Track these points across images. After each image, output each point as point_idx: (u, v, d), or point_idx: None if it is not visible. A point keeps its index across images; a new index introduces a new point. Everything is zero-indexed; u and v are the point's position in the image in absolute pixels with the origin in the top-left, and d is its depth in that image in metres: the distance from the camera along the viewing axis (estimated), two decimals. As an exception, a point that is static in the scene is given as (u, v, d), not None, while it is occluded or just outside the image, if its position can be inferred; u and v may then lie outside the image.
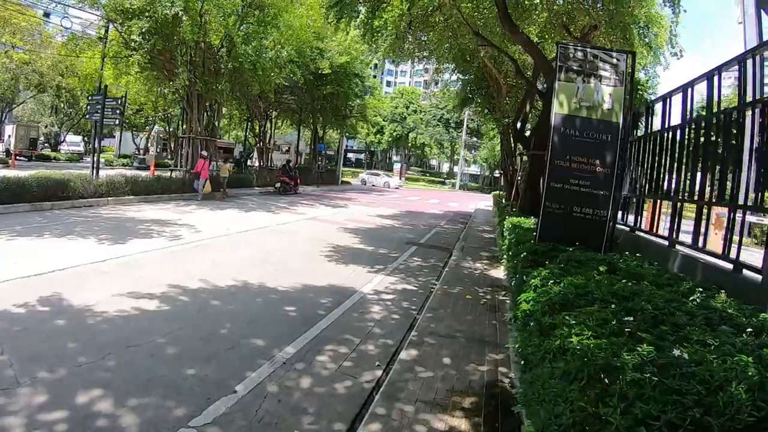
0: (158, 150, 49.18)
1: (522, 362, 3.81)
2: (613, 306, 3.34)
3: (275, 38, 25.76)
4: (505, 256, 10.97)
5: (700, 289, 4.09)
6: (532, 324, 3.72)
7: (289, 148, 50.09)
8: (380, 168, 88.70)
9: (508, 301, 8.51)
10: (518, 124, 16.73)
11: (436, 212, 29.06)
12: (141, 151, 53.37)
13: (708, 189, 6.08)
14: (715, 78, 6.26)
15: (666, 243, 6.88)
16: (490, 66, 20.88)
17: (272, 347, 5.93)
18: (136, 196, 18.77)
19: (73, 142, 56.94)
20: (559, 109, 7.11)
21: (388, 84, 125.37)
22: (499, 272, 11.35)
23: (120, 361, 5.11)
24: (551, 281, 4.27)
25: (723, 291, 4.34)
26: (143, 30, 20.94)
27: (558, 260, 5.71)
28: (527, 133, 16.33)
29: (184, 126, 28.42)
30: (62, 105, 49.70)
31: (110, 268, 8.77)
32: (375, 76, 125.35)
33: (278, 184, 30.24)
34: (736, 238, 5.32)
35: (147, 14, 21.04)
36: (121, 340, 5.62)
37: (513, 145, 24.41)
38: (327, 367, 5.55)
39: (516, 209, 15.65)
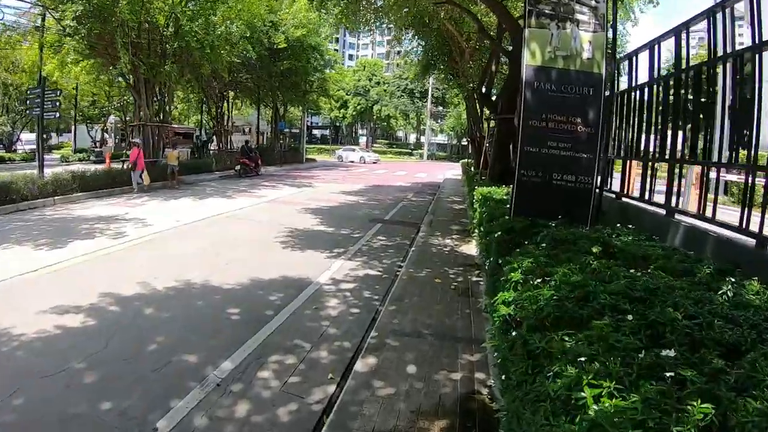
0: (117, 141, 47.02)
1: (502, 376, 2.86)
2: (629, 317, 2.37)
3: (224, 14, 24.35)
4: (476, 231, 10.08)
5: (731, 279, 3.12)
6: (514, 335, 2.72)
7: (250, 128, 48.44)
8: (346, 143, 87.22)
9: (482, 283, 7.59)
10: (484, 88, 15.70)
11: (404, 184, 28.07)
12: (97, 144, 51.22)
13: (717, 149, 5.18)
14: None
15: (663, 212, 5.95)
16: (452, 29, 19.80)
17: (207, 364, 5.01)
18: (86, 192, 17.30)
19: (29, 140, 54.14)
20: (531, 60, 6.06)
21: (350, 57, 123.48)
22: (471, 248, 10.44)
23: (30, 398, 4.25)
24: (537, 277, 3.25)
25: (740, 271, 3.48)
26: (77, 13, 19.36)
27: (539, 239, 4.73)
28: (494, 97, 15.33)
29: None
30: (13, 103, 47.15)
31: (40, 279, 7.70)
32: (336, 50, 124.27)
33: (238, 167, 28.90)
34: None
35: (81, -4, 19.49)
36: (35, 369, 4.75)
37: (479, 110, 23.48)
38: (269, 386, 4.63)
39: (486, 177, 14.77)
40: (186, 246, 10.35)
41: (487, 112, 25.16)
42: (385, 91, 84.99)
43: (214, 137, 38.69)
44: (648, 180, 6.58)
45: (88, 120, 53.45)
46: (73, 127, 49.56)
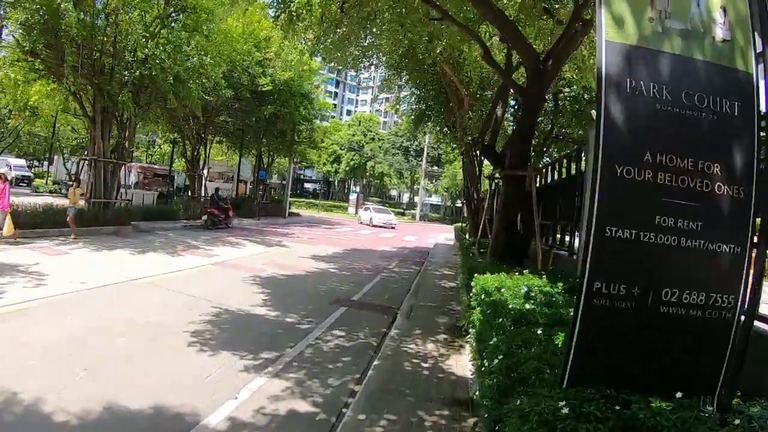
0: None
1: None
2: None
3: (199, 44, 21.53)
4: (470, 330, 6.82)
5: None
6: None
7: (232, 176, 45.33)
8: (338, 198, 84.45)
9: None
10: (486, 137, 12.52)
11: (388, 249, 24.69)
12: (72, 177, 48.04)
13: None
14: None
15: None
16: (450, 73, 16.93)
17: None
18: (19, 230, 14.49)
19: (18, 165, 50.98)
20: (615, 33, 2.83)
21: (348, 113, 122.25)
22: (463, 362, 7.04)
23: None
24: None
25: None
26: (21, 21, 16.69)
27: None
28: (500, 149, 12.21)
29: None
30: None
31: None
32: (335, 105, 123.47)
33: (205, 217, 25.60)
34: None
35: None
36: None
37: (477, 166, 20.45)
38: None
39: (484, 251, 11.54)
40: (56, 328, 7.20)
41: (487, 171, 22.12)
42: (379, 147, 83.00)
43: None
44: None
45: (64, 150, 50.56)
46: (54, 158, 47.11)
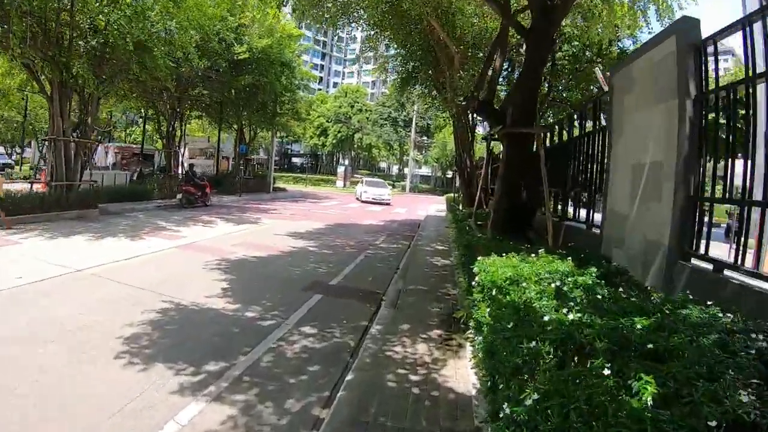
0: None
1: None
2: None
3: (164, 8, 19.60)
4: (472, 327, 5.28)
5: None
6: None
7: (214, 152, 43.36)
8: (325, 172, 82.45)
9: None
10: (482, 93, 10.75)
11: (375, 223, 23.00)
12: (44, 161, 46.00)
13: None
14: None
15: None
16: (438, 28, 15.16)
17: None
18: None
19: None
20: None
21: (335, 86, 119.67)
22: (462, 370, 5.51)
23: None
24: None
25: None
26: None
27: None
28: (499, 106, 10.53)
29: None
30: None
31: None
32: (321, 78, 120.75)
33: (180, 196, 23.86)
34: None
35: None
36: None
37: (470, 132, 18.82)
38: None
39: (483, 224, 9.99)
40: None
41: (480, 137, 20.47)
42: (367, 118, 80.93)
43: (181, 159, 33.69)
44: None
45: (37, 134, 48.36)
46: (32, 142, 45.00)
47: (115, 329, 6.36)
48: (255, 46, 30.70)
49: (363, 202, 38.19)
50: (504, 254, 5.54)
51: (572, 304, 3.30)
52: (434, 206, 37.35)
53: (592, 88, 21.61)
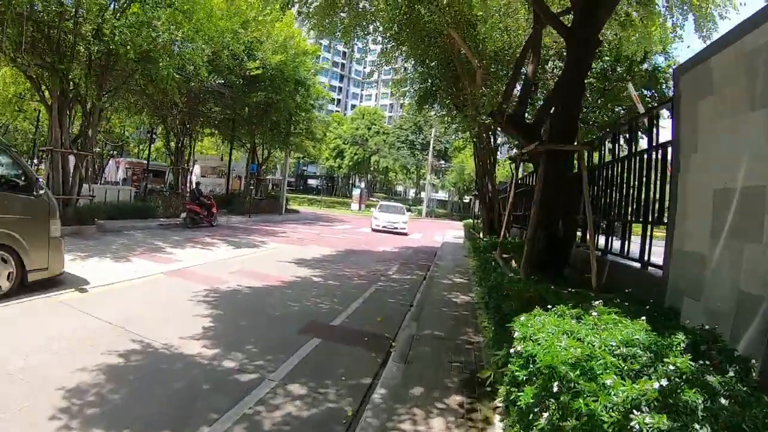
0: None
1: None
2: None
3: (172, 19, 18.71)
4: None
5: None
6: None
7: (225, 170, 42.33)
8: (341, 194, 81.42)
9: None
10: (510, 105, 9.33)
11: (389, 250, 21.62)
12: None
13: None
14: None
15: None
16: (459, 41, 13.94)
17: None
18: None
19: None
20: None
21: (353, 107, 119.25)
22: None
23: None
24: None
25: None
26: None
27: None
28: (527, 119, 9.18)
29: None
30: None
31: None
32: (339, 100, 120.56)
33: (184, 214, 22.72)
34: None
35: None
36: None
37: (492, 153, 17.54)
38: None
39: (509, 258, 8.66)
40: None
41: (501, 160, 19.13)
42: (384, 141, 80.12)
43: (192, 177, 32.72)
44: None
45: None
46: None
47: (63, 376, 5.14)
48: (268, 62, 29.85)
49: (374, 230, 32.39)
50: (548, 305, 4.21)
51: (697, 427, 1.96)
52: (451, 232, 35.99)
53: (619, 109, 20.29)
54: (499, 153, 24.54)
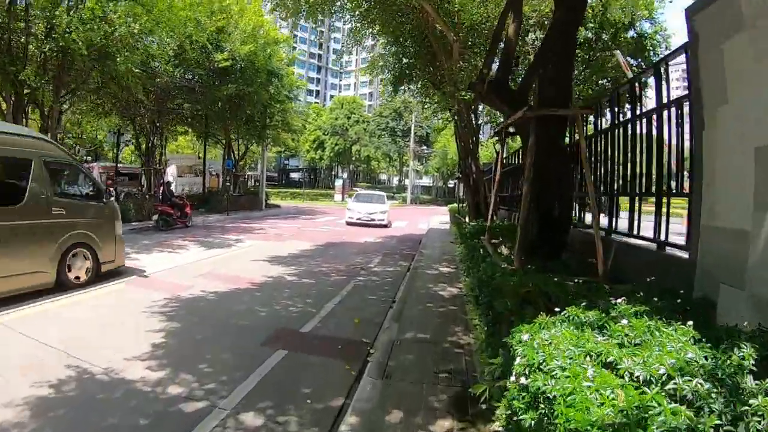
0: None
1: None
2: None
3: (129, 11, 17.56)
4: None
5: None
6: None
7: (205, 170, 41.05)
8: (323, 186, 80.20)
9: None
10: (488, 74, 8.24)
11: (372, 241, 20.59)
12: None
13: None
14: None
15: None
16: (432, 13, 12.93)
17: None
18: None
19: None
20: None
21: (331, 98, 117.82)
22: None
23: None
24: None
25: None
26: None
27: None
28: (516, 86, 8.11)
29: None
30: None
31: None
32: (318, 92, 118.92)
33: (156, 217, 21.53)
34: None
35: None
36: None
37: (474, 132, 16.61)
38: None
39: (499, 243, 7.72)
40: None
41: (486, 141, 18.19)
42: (364, 130, 78.94)
43: (167, 178, 31.43)
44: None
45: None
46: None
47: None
48: (237, 52, 28.66)
49: (349, 224, 27.66)
50: (552, 303, 3.26)
51: None
52: (437, 218, 35.04)
53: (604, 81, 19.41)
54: (481, 133, 23.58)
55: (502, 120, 10.98)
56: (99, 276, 9.91)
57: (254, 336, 7.01)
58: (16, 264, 8.18)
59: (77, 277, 9.47)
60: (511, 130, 7.66)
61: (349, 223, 27.55)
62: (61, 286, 9.03)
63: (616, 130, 6.49)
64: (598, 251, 5.40)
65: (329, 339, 7.04)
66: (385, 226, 27.73)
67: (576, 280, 4.59)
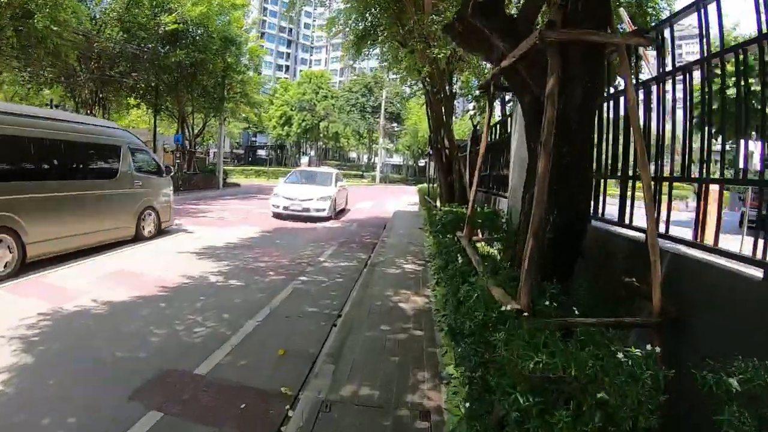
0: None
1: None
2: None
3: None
4: None
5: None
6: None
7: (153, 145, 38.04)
8: (291, 164, 77.14)
9: None
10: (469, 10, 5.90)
11: (329, 225, 18.15)
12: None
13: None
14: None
15: None
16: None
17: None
18: None
19: None
20: None
21: (301, 73, 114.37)
22: None
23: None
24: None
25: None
26: None
27: None
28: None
29: None
30: None
31: None
32: (287, 66, 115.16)
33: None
34: None
35: None
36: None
37: (448, 98, 14.41)
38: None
39: (476, 239, 5.54)
40: None
41: (453, 110, 15.90)
42: (333, 105, 76.06)
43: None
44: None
45: None
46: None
47: None
48: (188, 15, 25.89)
49: (275, 216, 19.35)
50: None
51: None
52: (405, 198, 32.96)
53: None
54: (456, 104, 21.34)
55: (481, 90, 8.66)
56: (159, 232, 13.43)
57: (127, 379, 4.71)
58: (114, 221, 11.49)
59: (149, 232, 12.91)
60: (504, 83, 5.37)
61: (276, 215, 19.33)
62: (138, 238, 12.35)
63: (670, 79, 4.13)
64: (655, 276, 3.21)
65: (232, 389, 4.69)
66: (327, 218, 19.57)
67: (638, 353, 2.39)
